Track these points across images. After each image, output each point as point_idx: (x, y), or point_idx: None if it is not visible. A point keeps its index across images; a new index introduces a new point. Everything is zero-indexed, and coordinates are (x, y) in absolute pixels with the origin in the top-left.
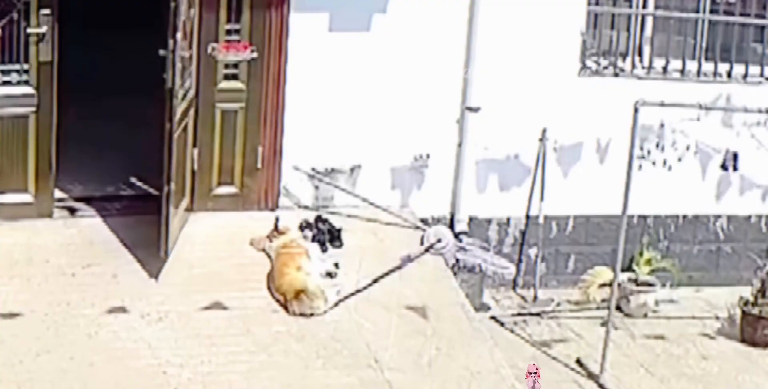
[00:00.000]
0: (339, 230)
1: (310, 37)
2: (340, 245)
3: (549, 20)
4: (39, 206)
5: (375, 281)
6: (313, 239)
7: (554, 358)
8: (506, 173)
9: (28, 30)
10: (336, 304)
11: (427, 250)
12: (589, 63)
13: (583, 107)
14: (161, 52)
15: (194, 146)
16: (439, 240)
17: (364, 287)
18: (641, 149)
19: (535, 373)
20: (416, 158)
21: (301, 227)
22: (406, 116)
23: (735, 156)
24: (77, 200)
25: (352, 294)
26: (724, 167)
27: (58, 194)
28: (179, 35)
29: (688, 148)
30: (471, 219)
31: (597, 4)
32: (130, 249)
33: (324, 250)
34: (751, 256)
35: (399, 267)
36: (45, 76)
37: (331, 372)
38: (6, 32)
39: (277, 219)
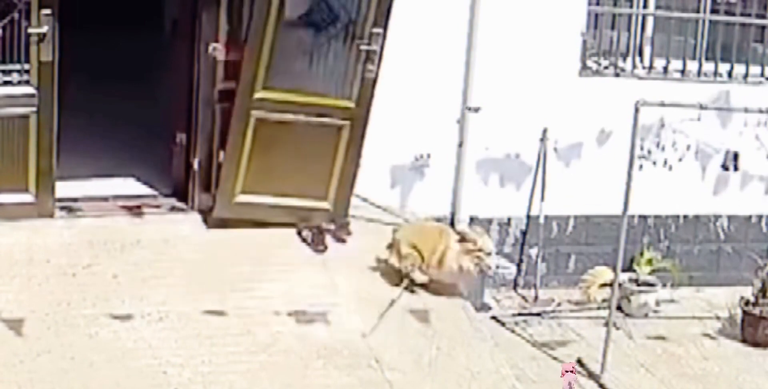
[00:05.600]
0: None
1: None
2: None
3: (549, 20)
4: (39, 206)
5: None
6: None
7: (555, 358)
8: (507, 172)
9: (29, 30)
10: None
11: None
12: (589, 63)
13: (584, 107)
14: (364, 47)
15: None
16: None
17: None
18: (642, 148)
19: (572, 371)
20: (417, 157)
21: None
22: (407, 116)
23: (735, 156)
24: (77, 200)
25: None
26: (725, 167)
27: (58, 193)
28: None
29: (688, 148)
30: (471, 219)
31: (597, 4)
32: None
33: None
34: (752, 256)
35: None
36: (46, 76)
37: (331, 372)
38: (7, 32)
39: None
